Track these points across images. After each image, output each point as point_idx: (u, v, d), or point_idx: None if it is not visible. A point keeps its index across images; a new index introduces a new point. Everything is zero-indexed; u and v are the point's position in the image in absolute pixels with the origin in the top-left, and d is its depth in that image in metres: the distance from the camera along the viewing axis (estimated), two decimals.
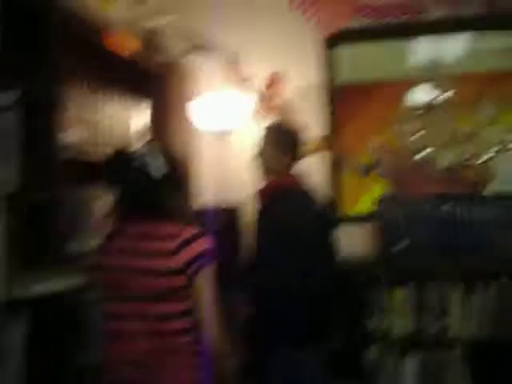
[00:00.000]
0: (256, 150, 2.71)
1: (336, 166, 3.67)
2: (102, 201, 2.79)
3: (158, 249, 1.94)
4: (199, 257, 1.94)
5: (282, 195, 2.61)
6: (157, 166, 2.01)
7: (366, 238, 3.48)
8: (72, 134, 2.70)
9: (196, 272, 1.94)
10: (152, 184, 2.00)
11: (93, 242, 2.68)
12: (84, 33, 2.79)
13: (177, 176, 2.10)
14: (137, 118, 3.27)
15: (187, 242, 1.94)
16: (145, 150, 2.05)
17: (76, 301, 2.49)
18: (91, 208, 2.76)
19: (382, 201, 3.40)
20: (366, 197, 3.59)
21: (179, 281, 1.92)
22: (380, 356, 3.27)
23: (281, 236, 2.52)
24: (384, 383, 3.27)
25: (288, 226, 2.54)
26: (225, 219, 3.45)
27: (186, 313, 1.96)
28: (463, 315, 3.23)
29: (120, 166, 2.03)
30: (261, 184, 2.70)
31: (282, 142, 2.69)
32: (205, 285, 1.96)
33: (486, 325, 3.20)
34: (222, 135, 3.34)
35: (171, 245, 1.93)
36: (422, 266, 3.29)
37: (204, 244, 1.97)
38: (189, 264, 1.93)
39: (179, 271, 1.92)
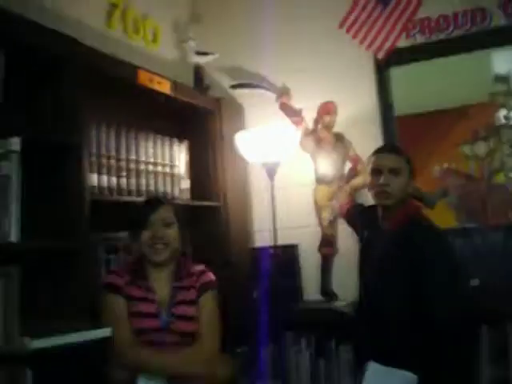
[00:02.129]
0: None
1: None
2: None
3: None
4: None
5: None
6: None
7: None
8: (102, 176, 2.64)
9: None
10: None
11: None
12: (115, 72, 2.73)
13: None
14: (177, 158, 3.15)
15: None
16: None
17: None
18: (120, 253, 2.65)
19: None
20: None
21: None
22: None
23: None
24: None
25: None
26: (284, 257, 3.29)
27: None
28: None
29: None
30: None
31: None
32: None
33: None
34: (273, 168, 3.16)
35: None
36: (494, 306, 2.89)
37: None
38: None
39: None
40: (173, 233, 2.35)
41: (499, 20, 3.23)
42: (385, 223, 2.46)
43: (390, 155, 2.45)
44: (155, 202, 2.43)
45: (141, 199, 2.77)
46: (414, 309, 2.26)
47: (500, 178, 3.25)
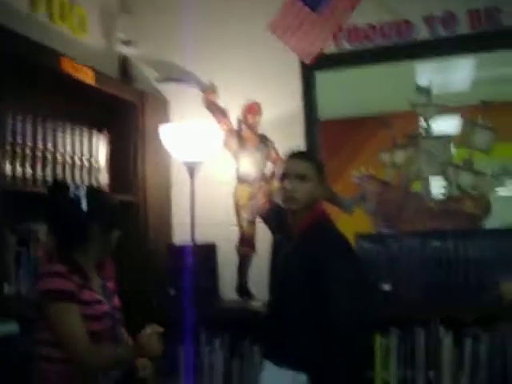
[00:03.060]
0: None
1: None
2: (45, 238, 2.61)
3: None
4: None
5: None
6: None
7: None
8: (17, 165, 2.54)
9: None
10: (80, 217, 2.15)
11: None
12: (36, 58, 2.64)
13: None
14: (97, 150, 3.08)
15: None
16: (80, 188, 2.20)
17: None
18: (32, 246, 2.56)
19: (360, 239, 3.10)
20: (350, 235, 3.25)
21: None
22: None
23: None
24: None
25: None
26: (202, 255, 3.26)
27: None
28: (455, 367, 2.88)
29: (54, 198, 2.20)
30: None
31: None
32: None
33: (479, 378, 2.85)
34: (193, 166, 3.13)
35: None
36: (406, 312, 2.97)
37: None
38: None
39: None
40: None
41: (423, 33, 3.32)
42: (292, 228, 2.48)
43: (297, 161, 2.47)
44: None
45: None
46: (311, 311, 2.29)
47: (417, 187, 3.35)
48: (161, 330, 2.15)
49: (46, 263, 2.23)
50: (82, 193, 2.17)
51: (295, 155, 2.53)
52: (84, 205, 2.15)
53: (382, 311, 2.91)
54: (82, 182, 2.94)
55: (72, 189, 2.19)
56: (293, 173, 2.43)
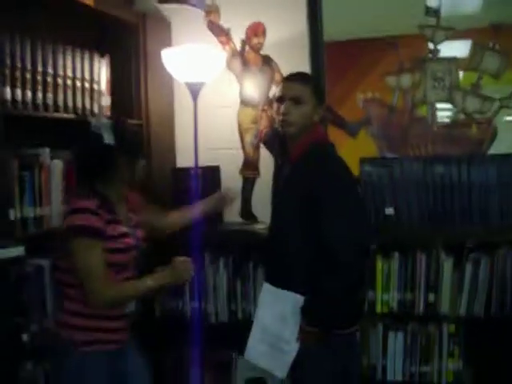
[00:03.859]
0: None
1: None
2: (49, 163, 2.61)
3: None
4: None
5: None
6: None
7: None
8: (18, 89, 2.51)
9: None
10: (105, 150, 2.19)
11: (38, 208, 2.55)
12: None
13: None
14: (98, 73, 3.03)
15: None
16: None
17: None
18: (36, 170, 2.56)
19: (363, 163, 3.08)
20: (354, 159, 3.21)
21: None
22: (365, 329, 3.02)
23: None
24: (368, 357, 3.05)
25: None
26: (206, 178, 3.28)
27: None
28: (455, 290, 2.94)
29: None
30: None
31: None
32: None
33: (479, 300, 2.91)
34: (197, 87, 3.08)
35: None
36: (408, 236, 3.00)
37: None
38: None
39: None
40: None
41: None
42: (290, 152, 2.46)
43: (293, 83, 2.41)
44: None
45: (60, 115, 2.70)
46: (307, 236, 2.31)
47: (422, 111, 3.30)
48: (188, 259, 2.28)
49: (75, 198, 2.21)
50: (106, 125, 2.21)
51: (290, 78, 2.48)
52: (109, 136, 2.18)
53: (383, 235, 2.96)
54: (84, 105, 2.90)
55: (95, 122, 2.24)
56: (287, 96, 2.39)
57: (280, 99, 2.42)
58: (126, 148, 2.23)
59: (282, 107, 2.39)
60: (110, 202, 2.22)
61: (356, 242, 2.25)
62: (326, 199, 2.24)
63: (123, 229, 2.23)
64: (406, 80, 3.28)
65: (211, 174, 3.35)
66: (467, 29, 3.19)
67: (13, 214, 2.39)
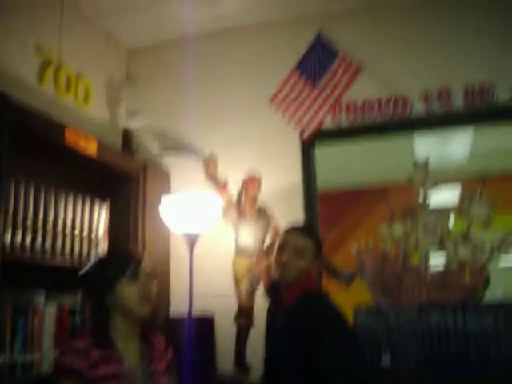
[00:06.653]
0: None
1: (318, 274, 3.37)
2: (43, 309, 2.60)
3: None
4: None
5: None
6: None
7: None
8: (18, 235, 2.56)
9: None
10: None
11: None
12: (40, 130, 2.70)
13: None
14: (97, 221, 3.11)
15: None
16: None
17: None
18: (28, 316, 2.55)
19: (358, 313, 3.08)
20: (349, 308, 3.22)
21: None
22: None
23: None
24: None
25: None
26: (200, 328, 3.22)
27: None
28: None
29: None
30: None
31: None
32: None
33: None
34: (193, 238, 3.13)
35: None
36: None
37: None
38: None
39: None
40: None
41: (420, 108, 3.41)
42: (285, 299, 2.48)
43: (297, 235, 2.49)
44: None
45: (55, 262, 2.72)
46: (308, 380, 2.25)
47: (415, 259, 3.35)
48: None
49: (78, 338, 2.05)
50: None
51: (295, 230, 2.55)
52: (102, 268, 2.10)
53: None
54: (82, 252, 2.95)
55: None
56: (291, 246, 2.44)
57: (282, 248, 2.47)
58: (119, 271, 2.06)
59: (284, 256, 2.43)
60: (109, 338, 2.02)
61: (355, 377, 2.19)
62: (325, 328, 2.23)
63: (121, 369, 1.99)
64: (398, 229, 3.35)
65: (205, 324, 3.32)
66: (456, 178, 3.34)
67: (2, 358, 2.35)
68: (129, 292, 2.06)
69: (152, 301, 2.14)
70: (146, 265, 2.14)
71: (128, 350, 2.07)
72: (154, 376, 2.09)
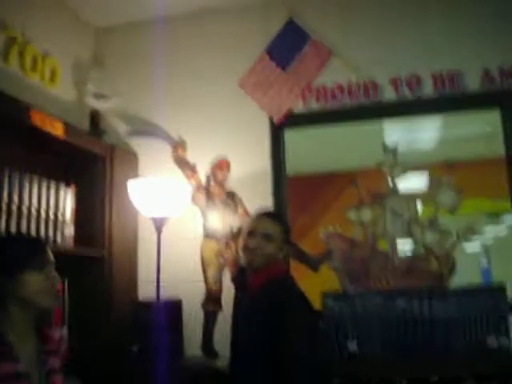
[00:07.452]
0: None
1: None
2: None
3: None
4: None
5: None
6: None
7: None
8: None
9: None
10: None
11: None
12: (5, 110, 2.64)
13: None
14: (63, 203, 3.05)
15: None
16: None
17: None
18: None
19: (326, 297, 3.09)
20: (317, 293, 3.22)
21: None
22: None
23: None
24: None
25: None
26: (167, 313, 3.19)
27: None
28: None
29: None
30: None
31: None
32: None
33: None
34: (161, 222, 3.11)
35: None
36: (371, 371, 2.95)
37: None
38: None
39: None
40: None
41: (389, 94, 3.41)
42: (250, 284, 2.48)
43: (265, 220, 2.50)
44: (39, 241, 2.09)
45: None
46: (270, 369, 2.26)
47: (383, 245, 3.37)
48: None
49: None
50: None
51: (264, 215, 2.55)
52: None
53: (346, 369, 2.91)
54: (47, 235, 2.90)
55: None
56: (259, 231, 2.44)
57: (251, 233, 2.47)
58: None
59: (252, 241, 2.43)
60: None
61: (315, 368, 2.20)
62: (289, 304, 2.26)
63: (16, 368, 1.75)
64: (366, 214, 3.37)
65: (173, 308, 3.30)
66: (424, 164, 3.36)
67: None
68: (34, 283, 1.82)
69: (58, 291, 2.02)
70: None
71: (24, 346, 1.83)
72: (51, 375, 1.88)
